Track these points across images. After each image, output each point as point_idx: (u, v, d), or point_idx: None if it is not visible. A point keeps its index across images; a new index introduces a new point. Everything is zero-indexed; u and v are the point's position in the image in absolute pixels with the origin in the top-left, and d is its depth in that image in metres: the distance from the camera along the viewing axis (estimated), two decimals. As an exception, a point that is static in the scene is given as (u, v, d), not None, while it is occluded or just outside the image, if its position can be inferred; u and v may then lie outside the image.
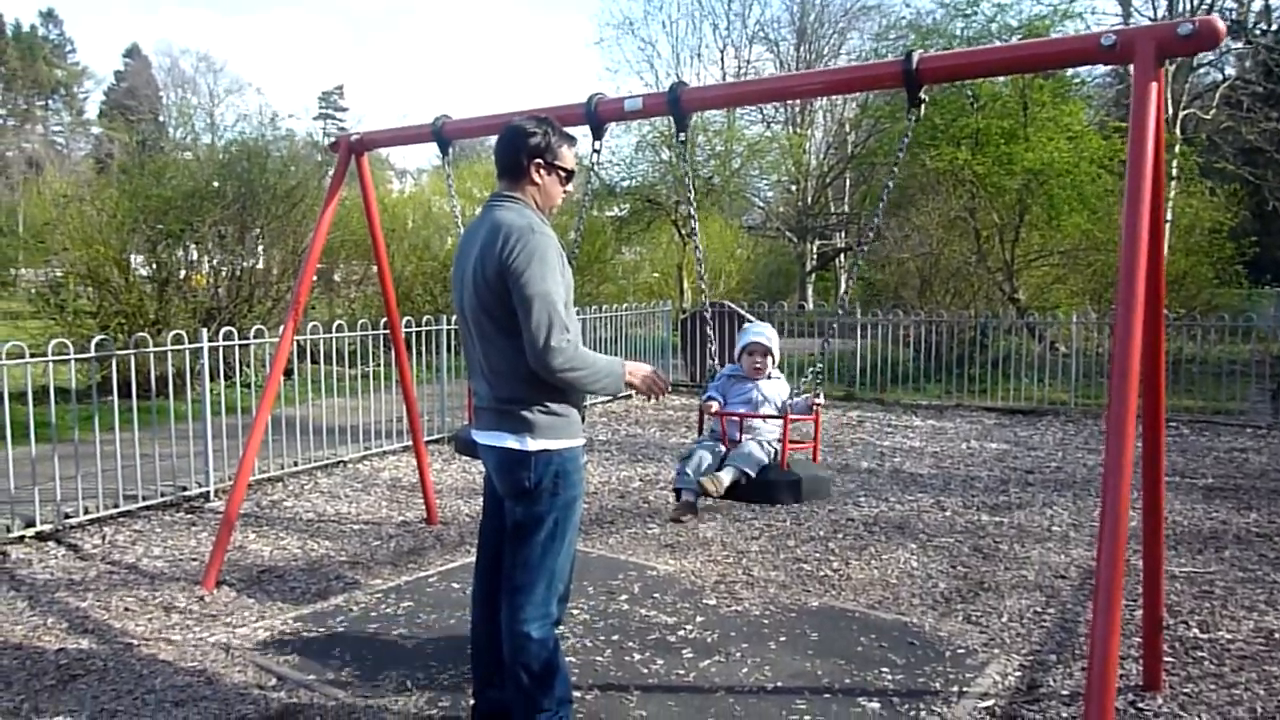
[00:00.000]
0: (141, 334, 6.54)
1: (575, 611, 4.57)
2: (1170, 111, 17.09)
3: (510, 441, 2.95)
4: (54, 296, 11.53)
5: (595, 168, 4.30)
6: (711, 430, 3.89)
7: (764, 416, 3.79)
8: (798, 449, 3.86)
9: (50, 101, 62.18)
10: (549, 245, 2.89)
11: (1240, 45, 20.07)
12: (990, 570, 5.19)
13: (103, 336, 6.25)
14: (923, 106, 3.33)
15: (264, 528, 6.06)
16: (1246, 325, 11.34)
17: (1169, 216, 16.04)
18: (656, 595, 4.81)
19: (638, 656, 4.04)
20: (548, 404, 2.96)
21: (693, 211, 4.32)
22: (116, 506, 6.06)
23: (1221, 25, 2.87)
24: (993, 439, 9.34)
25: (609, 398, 10.98)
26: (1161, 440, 3.65)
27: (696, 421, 4.04)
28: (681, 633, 4.31)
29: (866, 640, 4.23)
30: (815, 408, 3.76)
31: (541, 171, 3.08)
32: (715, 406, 3.80)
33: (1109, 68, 18.73)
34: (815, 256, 30.54)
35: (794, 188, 29.81)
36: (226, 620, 4.49)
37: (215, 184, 11.87)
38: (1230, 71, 20.77)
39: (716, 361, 4.09)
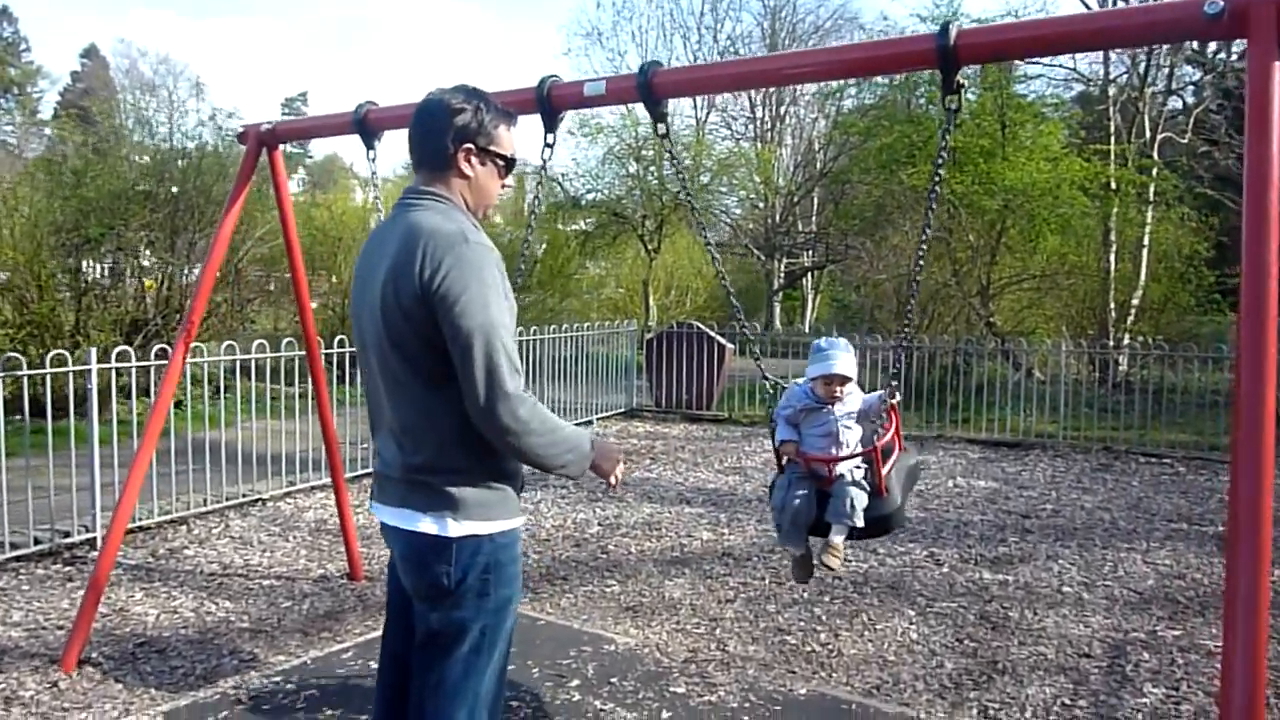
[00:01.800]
0: (14, 355, 5.64)
1: (514, 704, 3.76)
2: (1147, 134, 16.69)
3: (426, 524, 2.17)
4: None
5: (547, 165, 3.53)
6: (794, 464, 3.62)
7: (852, 456, 3.52)
8: (889, 466, 3.51)
9: (3, 100, 60.20)
10: (486, 258, 2.14)
11: (1201, 74, 19.89)
12: (1002, 645, 4.46)
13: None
14: (962, 93, 2.62)
15: (156, 584, 5.18)
16: (1228, 358, 10.78)
17: (1145, 242, 15.64)
18: (614, 680, 4.02)
19: (588, 773, 3.25)
20: (479, 474, 2.19)
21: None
22: (-20, 556, 5.16)
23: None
24: (979, 475, 8.67)
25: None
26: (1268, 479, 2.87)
27: (775, 460, 3.73)
28: (643, 735, 3.53)
29: (868, 746, 3.48)
30: (892, 407, 3.46)
31: (472, 160, 2.31)
32: (793, 449, 3.56)
33: (1089, 84, 18.36)
34: (783, 275, 30.01)
35: (762, 205, 29.30)
36: (80, 716, 3.63)
37: (140, 186, 10.91)
38: (1190, 100, 20.59)
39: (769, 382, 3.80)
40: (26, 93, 61.61)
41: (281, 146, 4.69)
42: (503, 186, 2.40)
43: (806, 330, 24.87)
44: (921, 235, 3.23)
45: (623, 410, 11.75)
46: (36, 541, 5.43)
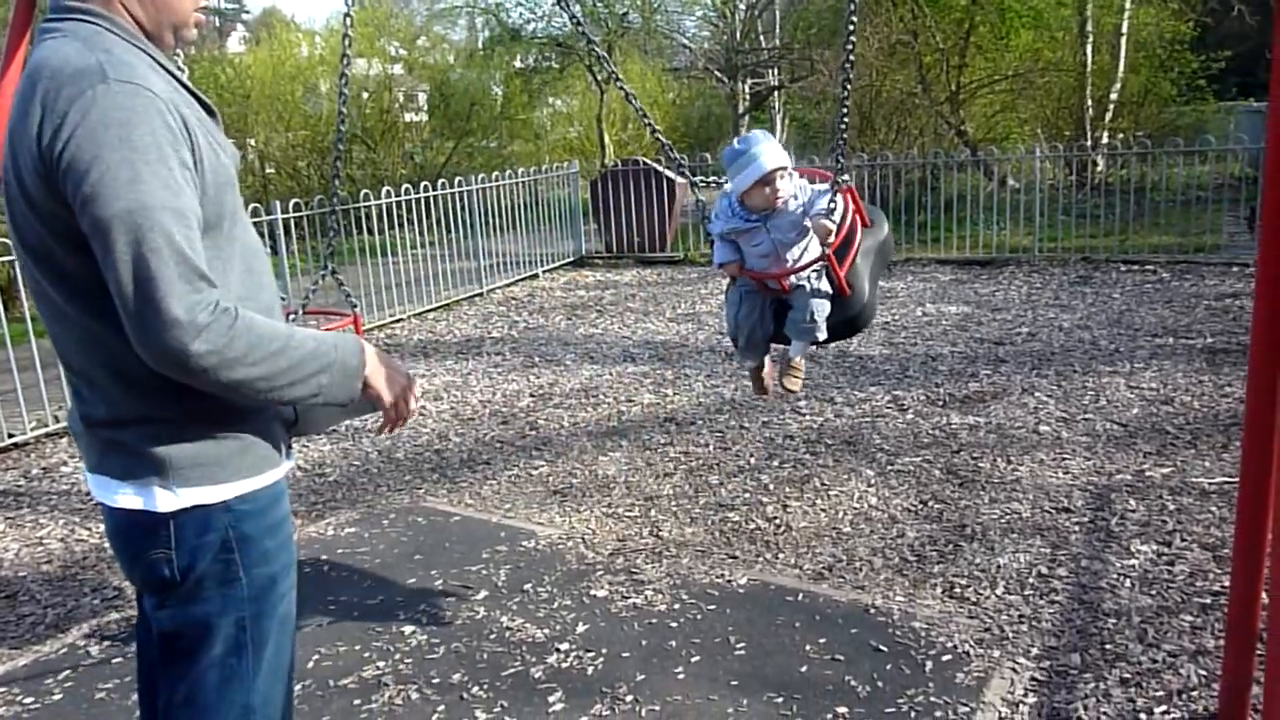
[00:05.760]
0: None
1: (408, 629, 3.25)
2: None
3: (126, 496, 1.52)
4: None
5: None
6: (744, 283, 3.11)
7: (803, 269, 2.95)
8: (848, 263, 2.96)
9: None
10: (138, 106, 1.38)
11: None
12: (971, 505, 3.96)
13: None
14: None
15: (23, 510, 4.60)
16: (1214, 149, 9.97)
17: (1124, 30, 14.52)
18: (529, 586, 3.51)
19: (481, 716, 2.75)
20: (196, 420, 1.51)
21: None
22: None
23: None
24: (950, 299, 8.08)
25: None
26: None
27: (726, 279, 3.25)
28: (553, 658, 3.03)
29: (813, 646, 2.98)
30: (847, 189, 2.88)
31: None
32: (736, 268, 3.04)
33: None
34: (748, 96, 28.52)
35: (720, 23, 27.48)
36: (-105, 691, 3.10)
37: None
38: None
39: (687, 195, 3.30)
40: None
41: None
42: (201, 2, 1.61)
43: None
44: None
45: (571, 259, 11.00)
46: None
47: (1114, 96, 14.32)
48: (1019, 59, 14.22)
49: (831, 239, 2.80)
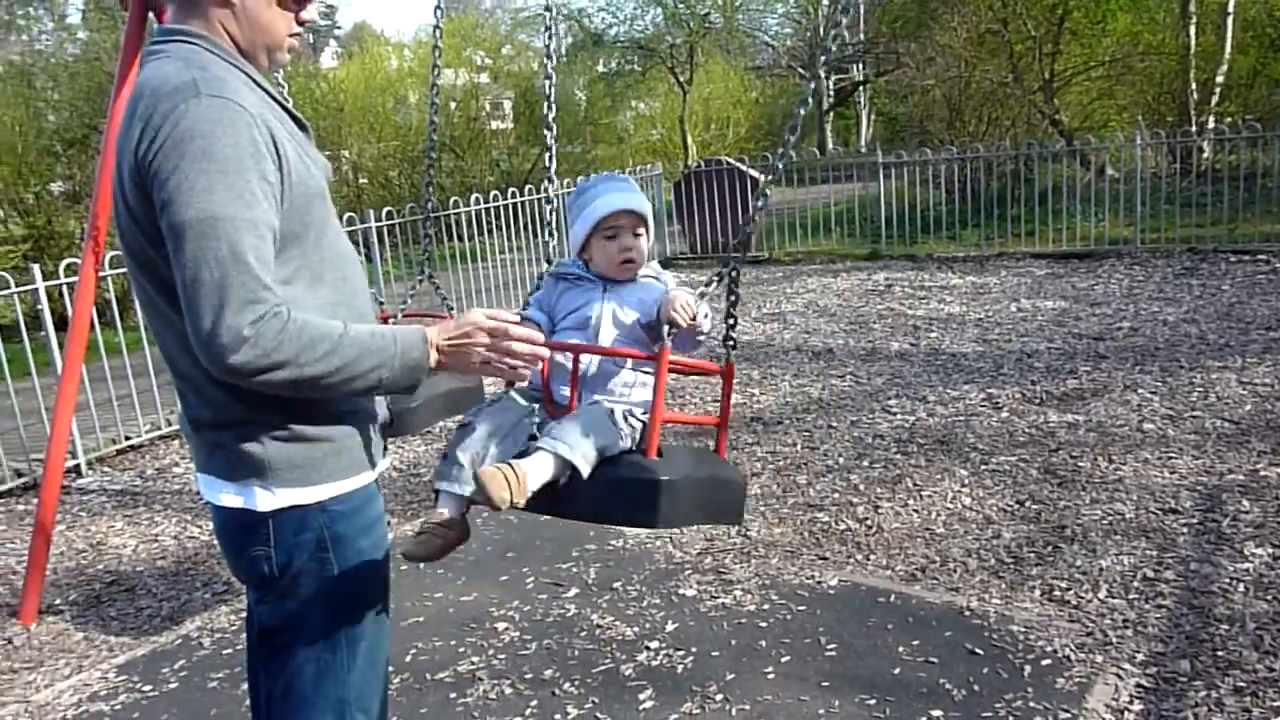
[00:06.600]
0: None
1: (500, 626, 3.32)
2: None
3: (229, 496, 1.59)
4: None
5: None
6: (531, 384, 2.03)
7: (621, 354, 1.99)
8: (686, 420, 2.02)
9: (31, 9, 58.97)
10: (224, 119, 1.43)
11: None
12: (1071, 506, 3.84)
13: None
14: None
15: (139, 509, 4.84)
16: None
17: (1230, 8, 13.84)
18: (617, 585, 3.54)
19: (573, 712, 2.79)
20: (290, 424, 1.56)
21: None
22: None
23: None
24: (1046, 294, 7.84)
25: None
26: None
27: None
28: (643, 656, 3.05)
29: (906, 649, 2.94)
30: (728, 365, 2.03)
31: None
32: (536, 335, 1.68)
33: None
34: (832, 93, 28.18)
35: (803, 19, 27.24)
36: (30, 679, 3.29)
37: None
38: None
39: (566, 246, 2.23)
40: (53, -2, 60.27)
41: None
42: (297, 23, 1.65)
43: (862, 149, 23.38)
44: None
45: (656, 260, 11.04)
46: (18, 474, 5.12)
47: (1220, 79, 13.66)
48: (1116, 43, 13.70)
49: (680, 321, 1.90)
